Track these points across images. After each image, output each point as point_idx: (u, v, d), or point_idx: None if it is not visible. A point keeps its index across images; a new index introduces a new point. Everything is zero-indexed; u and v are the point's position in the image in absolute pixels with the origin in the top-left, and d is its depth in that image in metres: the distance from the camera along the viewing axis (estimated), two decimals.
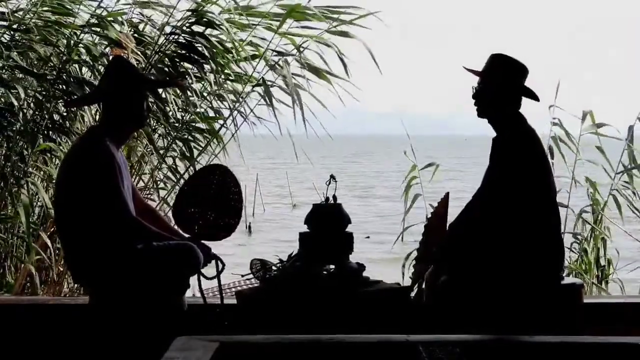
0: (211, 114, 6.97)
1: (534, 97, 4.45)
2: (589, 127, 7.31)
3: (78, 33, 6.53)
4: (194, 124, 6.86)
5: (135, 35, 6.70)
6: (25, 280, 6.30)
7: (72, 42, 6.50)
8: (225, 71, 6.84)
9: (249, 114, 6.90)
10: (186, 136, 6.79)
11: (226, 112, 6.96)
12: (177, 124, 6.71)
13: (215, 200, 4.49)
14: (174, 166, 6.92)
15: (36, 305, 4.91)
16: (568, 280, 4.65)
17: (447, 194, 4.70)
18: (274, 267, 4.46)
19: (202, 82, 6.83)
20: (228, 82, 6.88)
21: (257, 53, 6.89)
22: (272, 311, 4.26)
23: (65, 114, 6.52)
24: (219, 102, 6.96)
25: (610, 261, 7.40)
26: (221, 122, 6.95)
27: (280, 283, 4.36)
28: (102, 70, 6.35)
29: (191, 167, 6.74)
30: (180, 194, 4.62)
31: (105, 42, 6.57)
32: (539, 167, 4.31)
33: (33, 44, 6.39)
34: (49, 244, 6.20)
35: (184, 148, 6.82)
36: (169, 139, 6.79)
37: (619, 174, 7.33)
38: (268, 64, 6.81)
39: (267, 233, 19.67)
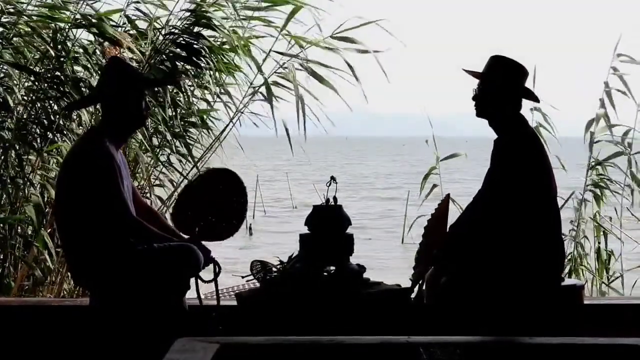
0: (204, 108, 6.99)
1: (534, 98, 4.46)
2: (601, 130, 7.35)
3: (73, 30, 6.52)
4: (188, 120, 6.87)
5: (132, 32, 6.70)
6: (25, 282, 6.30)
7: (66, 40, 6.48)
8: (226, 69, 6.83)
9: (243, 108, 6.90)
10: (179, 131, 6.77)
11: (223, 110, 6.98)
12: (169, 120, 6.69)
13: (219, 205, 4.50)
14: (168, 162, 6.93)
15: (37, 307, 4.90)
16: (569, 281, 4.64)
17: (448, 195, 4.70)
18: (274, 269, 4.46)
19: (200, 80, 6.82)
20: (224, 74, 6.86)
21: (257, 49, 6.90)
22: (273, 312, 4.26)
23: (64, 113, 6.50)
24: (218, 98, 6.97)
25: (612, 254, 7.42)
26: (214, 114, 6.97)
27: (280, 284, 4.36)
28: (97, 69, 6.35)
29: (188, 163, 6.76)
30: (182, 196, 4.63)
31: (101, 40, 6.53)
32: (540, 168, 4.31)
33: (21, 39, 6.35)
34: (50, 244, 6.19)
35: (178, 143, 6.82)
36: (160, 137, 6.79)
37: (592, 169, 7.39)
38: (261, 71, 6.80)
39: (268, 234, 19.66)
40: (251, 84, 6.90)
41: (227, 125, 6.92)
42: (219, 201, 4.50)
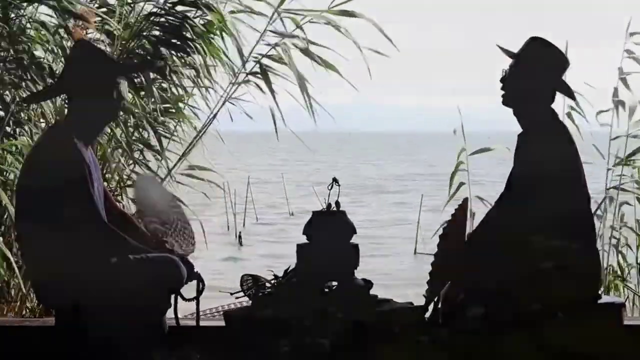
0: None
1: (570, 94, 4.45)
2: (635, 124, 7.33)
3: (31, 7, 6.49)
4: (168, 109, 6.87)
5: (103, 10, 6.69)
6: None
7: (20, 17, 6.45)
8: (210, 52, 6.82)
9: (229, 97, 6.90)
10: (154, 123, 6.75)
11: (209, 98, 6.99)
12: (149, 112, 6.68)
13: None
14: (142, 159, 6.93)
15: None
16: (606, 298, 4.63)
17: (466, 199, 4.69)
18: (267, 284, 4.45)
19: (183, 65, 6.81)
20: (211, 58, 6.86)
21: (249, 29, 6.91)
22: (265, 334, 4.25)
23: (24, 106, 6.49)
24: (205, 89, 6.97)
25: None
26: (193, 104, 6.99)
27: (274, 302, 4.35)
28: (58, 50, 6.33)
29: (162, 161, 6.76)
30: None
31: (65, 16, 6.49)
32: (573, 168, 4.30)
33: None
34: (10, 256, 6.18)
35: (152, 136, 6.81)
36: (133, 129, 6.78)
37: (613, 168, 7.36)
38: (242, 55, 6.78)
39: (260, 244, 19.65)
40: (234, 70, 6.89)
41: (214, 116, 6.92)
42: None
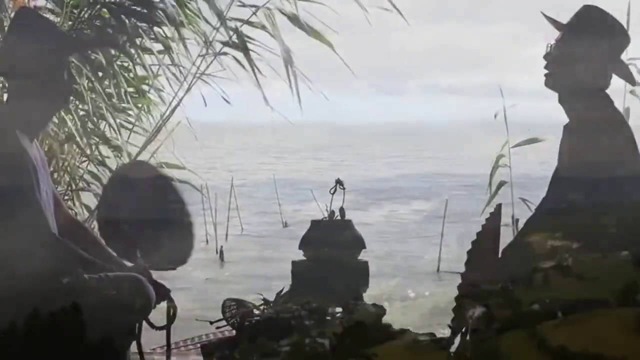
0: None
1: (630, 78, 4.44)
2: None
3: None
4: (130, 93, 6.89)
5: None
6: None
7: None
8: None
9: (198, 73, 6.91)
10: (113, 112, 6.77)
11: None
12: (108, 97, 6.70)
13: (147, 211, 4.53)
14: (97, 154, 6.95)
15: None
16: None
17: (499, 205, 4.68)
18: (256, 311, 4.45)
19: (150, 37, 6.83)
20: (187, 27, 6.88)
21: None
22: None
23: None
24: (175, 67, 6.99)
25: None
26: (157, 85, 7.00)
27: (264, 332, 4.35)
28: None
29: (119, 157, 6.78)
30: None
31: None
32: (634, 172, 4.29)
33: None
34: None
35: (110, 124, 6.82)
36: (87, 119, 6.80)
37: None
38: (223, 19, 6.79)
39: (246, 262, 19.69)
40: (206, 39, 6.89)
41: (181, 100, 6.94)
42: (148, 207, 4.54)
